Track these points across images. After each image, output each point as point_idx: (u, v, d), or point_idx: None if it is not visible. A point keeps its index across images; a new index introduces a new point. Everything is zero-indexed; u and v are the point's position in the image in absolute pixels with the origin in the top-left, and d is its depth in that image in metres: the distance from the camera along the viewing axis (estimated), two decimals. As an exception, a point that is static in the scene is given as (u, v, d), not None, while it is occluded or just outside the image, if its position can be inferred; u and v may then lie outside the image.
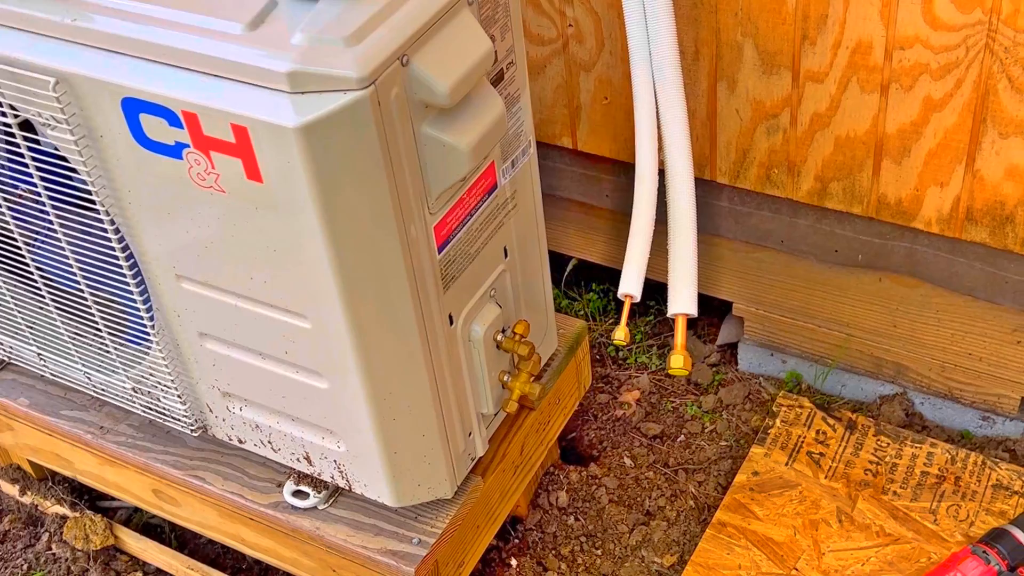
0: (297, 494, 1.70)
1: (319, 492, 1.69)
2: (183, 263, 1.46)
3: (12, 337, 1.81)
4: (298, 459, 1.64)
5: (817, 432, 2.04)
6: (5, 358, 1.91)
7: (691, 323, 2.38)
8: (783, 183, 1.91)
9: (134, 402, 1.73)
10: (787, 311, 2.12)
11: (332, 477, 1.63)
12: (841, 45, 1.70)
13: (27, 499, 2.18)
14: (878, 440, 2.01)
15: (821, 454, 2.00)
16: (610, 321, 2.42)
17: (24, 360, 1.85)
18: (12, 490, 2.20)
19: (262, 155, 1.25)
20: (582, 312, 2.42)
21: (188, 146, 1.29)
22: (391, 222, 1.32)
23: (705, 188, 2.04)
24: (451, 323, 1.51)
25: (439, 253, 1.43)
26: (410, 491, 1.60)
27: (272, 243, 1.34)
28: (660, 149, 1.72)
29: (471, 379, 1.59)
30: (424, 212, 1.38)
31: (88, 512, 2.12)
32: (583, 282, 2.47)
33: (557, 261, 2.51)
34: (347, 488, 1.63)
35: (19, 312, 1.74)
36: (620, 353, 2.34)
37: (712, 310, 2.37)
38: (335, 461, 1.59)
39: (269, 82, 1.21)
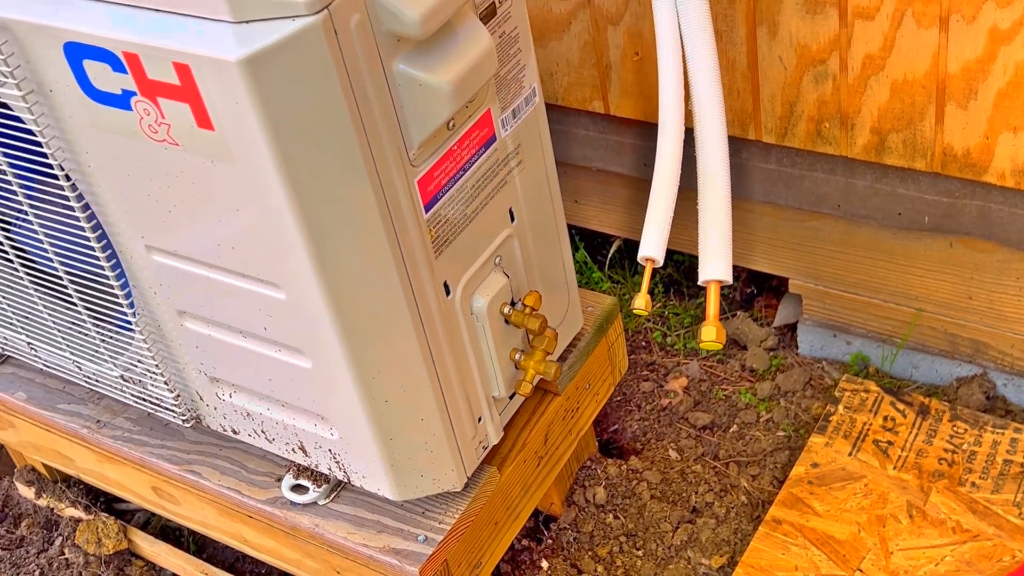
0: (296, 488, 1.55)
1: (319, 486, 1.54)
2: (150, 232, 1.33)
3: (6, 328, 1.70)
4: (293, 449, 1.50)
5: (885, 418, 1.83)
6: (2, 351, 1.81)
7: (746, 304, 2.19)
8: (836, 139, 1.72)
9: (124, 391, 1.61)
10: (849, 286, 1.92)
11: (329, 468, 1.48)
12: (892, -26, 1.51)
13: (43, 502, 2.08)
14: (954, 426, 1.79)
15: (889, 442, 1.79)
16: (658, 305, 2.23)
17: (18, 351, 1.75)
18: (28, 493, 2.10)
19: (209, 97, 1.11)
20: (628, 296, 2.24)
21: (135, 94, 1.16)
22: (361, 173, 1.17)
23: (751, 150, 1.86)
24: (448, 293, 1.35)
25: (426, 212, 1.28)
26: (413, 483, 1.44)
27: (234, 202, 1.20)
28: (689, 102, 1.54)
29: (476, 357, 1.43)
30: (404, 164, 1.22)
31: (102, 515, 2.01)
32: (628, 264, 2.29)
33: (600, 241, 2.34)
34: (346, 480, 1.48)
35: (3, 298, 1.63)
36: (668, 339, 2.15)
37: (769, 290, 2.17)
38: (330, 450, 1.44)
39: (210, 12, 1.07)
